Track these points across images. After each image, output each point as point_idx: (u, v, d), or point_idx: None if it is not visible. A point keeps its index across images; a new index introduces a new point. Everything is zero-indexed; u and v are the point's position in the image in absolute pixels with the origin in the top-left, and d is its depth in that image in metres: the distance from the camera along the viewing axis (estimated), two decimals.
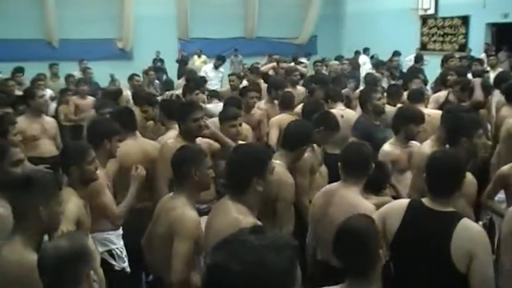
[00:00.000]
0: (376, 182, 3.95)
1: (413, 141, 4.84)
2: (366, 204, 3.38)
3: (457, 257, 2.73)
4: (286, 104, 6.34)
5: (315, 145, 4.68)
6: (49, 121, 6.43)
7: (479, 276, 2.71)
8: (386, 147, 4.87)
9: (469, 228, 2.81)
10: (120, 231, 3.98)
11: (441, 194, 2.93)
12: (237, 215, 2.76)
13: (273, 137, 5.78)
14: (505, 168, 4.17)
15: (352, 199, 3.43)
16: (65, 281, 2.12)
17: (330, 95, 6.37)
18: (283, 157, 4.00)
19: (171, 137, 4.73)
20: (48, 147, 6.04)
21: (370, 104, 5.65)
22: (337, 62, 11.52)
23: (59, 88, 9.95)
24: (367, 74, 9.70)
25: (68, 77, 11.23)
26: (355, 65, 12.46)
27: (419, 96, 6.19)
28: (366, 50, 16.78)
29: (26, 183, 2.57)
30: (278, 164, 3.65)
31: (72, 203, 3.24)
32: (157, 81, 11.35)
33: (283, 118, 5.85)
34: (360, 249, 2.46)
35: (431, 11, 18.01)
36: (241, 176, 2.88)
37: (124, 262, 3.98)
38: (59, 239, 2.29)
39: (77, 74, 11.94)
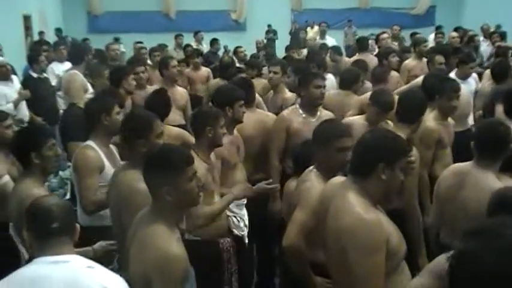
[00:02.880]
0: None
1: None
2: None
3: None
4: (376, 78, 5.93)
5: (449, 118, 4.54)
6: (179, 91, 6.42)
7: None
8: None
9: None
10: (245, 200, 4.05)
11: None
12: (358, 210, 2.49)
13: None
14: None
15: (490, 183, 3.17)
16: None
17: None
18: (400, 130, 3.77)
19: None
20: (174, 117, 5.72)
21: None
22: (454, 34, 10.91)
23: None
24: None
25: (186, 47, 11.53)
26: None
27: None
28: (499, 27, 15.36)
29: (157, 162, 2.47)
30: None
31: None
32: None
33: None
34: None
35: None
36: (367, 159, 2.58)
37: (242, 231, 4.03)
38: None
39: (194, 45, 12.24)
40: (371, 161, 2.51)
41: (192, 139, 4.02)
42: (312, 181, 3.16)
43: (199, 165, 3.36)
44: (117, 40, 9.28)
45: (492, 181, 3.21)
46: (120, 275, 2.33)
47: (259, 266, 4.76)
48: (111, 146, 3.83)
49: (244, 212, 4.07)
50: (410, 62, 7.63)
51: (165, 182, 2.38)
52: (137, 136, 3.24)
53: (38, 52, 8.14)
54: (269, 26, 16.94)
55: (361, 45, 8.79)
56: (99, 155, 3.64)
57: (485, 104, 5.68)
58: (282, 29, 16.98)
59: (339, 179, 2.83)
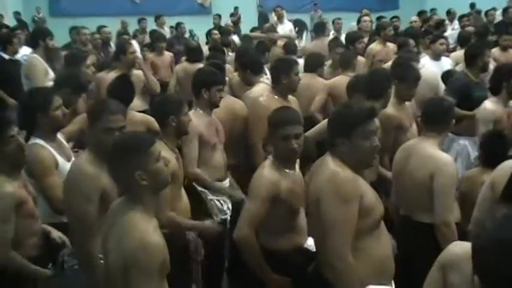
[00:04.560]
0: (496, 154, 3.69)
1: None
2: (444, 156, 3.44)
3: None
4: (344, 64, 5.98)
5: (407, 102, 4.61)
6: (138, 76, 6.28)
7: None
8: (489, 105, 4.73)
9: None
10: (225, 183, 4.05)
11: None
12: (334, 168, 2.67)
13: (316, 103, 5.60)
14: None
15: (430, 150, 3.44)
16: None
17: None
18: None
19: (260, 92, 4.72)
20: (135, 103, 5.54)
21: (481, 60, 5.32)
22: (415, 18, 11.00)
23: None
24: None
25: (152, 32, 11.31)
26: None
27: None
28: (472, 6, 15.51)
29: (121, 150, 2.40)
30: None
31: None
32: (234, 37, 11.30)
33: (340, 81, 5.55)
34: None
35: None
36: (330, 135, 2.79)
37: (225, 214, 4.05)
38: None
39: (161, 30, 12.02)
40: (331, 137, 2.73)
41: (156, 124, 3.97)
42: (262, 169, 3.19)
43: (170, 155, 3.36)
44: (74, 29, 9.01)
45: (433, 149, 3.44)
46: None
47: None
48: (59, 136, 3.64)
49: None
50: (375, 46, 7.64)
51: (135, 167, 2.33)
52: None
53: (12, 35, 7.96)
54: (236, 8, 16.80)
55: (318, 29, 8.86)
56: (50, 151, 3.42)
57: None
58: (248, 13, 16.84)
59: None
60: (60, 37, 9.13)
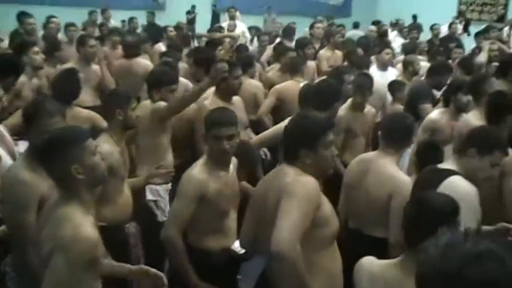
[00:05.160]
0: (427, 165, 3.66)
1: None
2: (403, 177, 3.44)
3: None
4: (293, 69, 5.99)
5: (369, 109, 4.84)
6: (94, 70, 6.20)
7: None
8: (433, 114, 4.92)
9: (454, 184, 2.92)
10: (169, 186, 4.03)
11: None
12: (298, 173, 2.63)
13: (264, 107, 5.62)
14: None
15: (390, 170, 3.43)
16: None
17: (359, 62, 6.29)
18: None
19: (206, 95, 4.68)
20: (86, 98, 5.63)
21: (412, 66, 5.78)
22: (372, 27, 11.19)
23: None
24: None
25: (101, 26, 11.12)
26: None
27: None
28: (415, 18, 15.69)
29: (54, 145, 2.32)
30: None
31: (102, 151, 3.24)
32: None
33: (288, 85, 5.64)
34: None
35: None
36: (290, 147, 2.74)
37: (166, 216, 4.03)
38: None
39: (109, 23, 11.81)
40: (294, 148, 2.67)
41: (103, 121, 3.90)
42: (193, 168, 3.21)
43: (112, 149, 3.40)
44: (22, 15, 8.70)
45: (392, 168, 3.45)
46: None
47: None
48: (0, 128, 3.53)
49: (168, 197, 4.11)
50: (325, 52, 7.75)
51: (71, 160, 2.27)
52: None
53: None
54: (193, 7, 16.68)
55: (287, 33, 8.96)
56: None
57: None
58: (203, 12, 16.74)
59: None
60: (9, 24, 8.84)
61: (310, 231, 2.51)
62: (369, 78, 4.95)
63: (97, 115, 4.49)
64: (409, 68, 6.56)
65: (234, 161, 3.43)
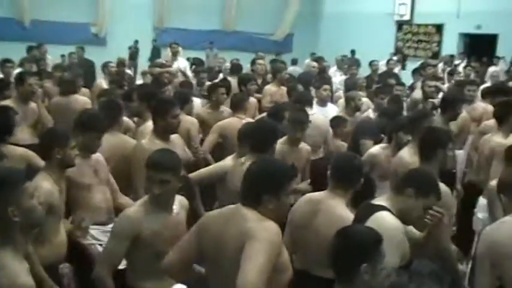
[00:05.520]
0: (363, 197, 3.72)
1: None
2: (352, 218, 3.34)
3: None
4: (235, 106, 5.96)
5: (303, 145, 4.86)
6: (32, 108, 6.00)
7: None
8: (374, 149, 5.02)
9: (380, 220, 2.95)
10: (109, 227, 3.87)
11: None
12: (259, 218, 2.61)
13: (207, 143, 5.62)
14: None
15: (341, 212, 3.40)
16: None
17: (301, 98, 6.25)
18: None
19: (145, 134, 4.63)
20: (23, 136, 5.45)
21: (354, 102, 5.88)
22: (313, 63, 11.41)
23: None
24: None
25: (38, 60, 10.86)
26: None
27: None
28: (353, 53, 16.31)
29: None
30: None
31: (42, 189, 3.26)
32: (128, 71, 11.13)
33: (230, 122, 5.64)
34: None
35: (407, 17, 18.43)
36: (253, 192, 2.70)
37: None
38: None
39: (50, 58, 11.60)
40: (256, 193, 2.65)
41: (38, 159, 3.80)
42: (130, 207, 3.24)
43: (52, 187, 3.36)
44: None
45: (342, 210, 3.42)
46: None
47: None
48: None
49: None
50: (271, 87, 7.83)
51: (7, 202, 2.23)
52: None
53: None
54: (136, 42, 16.65)
55: (234, 70, 9.13)
56: None
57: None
58: (144, 46, 16.72)
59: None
60: None
61: (271, 277, 2.49)
62: (304, 114, 4.99)
63: (33, 153, 4.35)
64: (351, 103, 6.69)
65: (183, 201, 3.37)
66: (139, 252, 3.08)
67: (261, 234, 2.51)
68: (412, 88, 9.09)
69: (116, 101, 5.30)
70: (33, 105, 5.99)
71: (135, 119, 5.81)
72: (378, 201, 3.21)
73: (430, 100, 7.08)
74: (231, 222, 2.67)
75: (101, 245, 3.81)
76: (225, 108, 6.34)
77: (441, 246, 3.60)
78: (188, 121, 5.55)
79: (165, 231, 3.10)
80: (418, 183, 3.14)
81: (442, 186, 3.48)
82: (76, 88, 6.80)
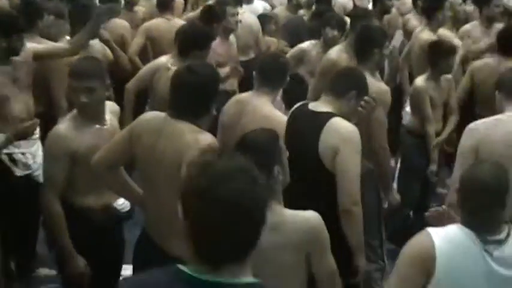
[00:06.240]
0: (296, 98, 3.73)
1: None
2: (279, 116, 3.43)
3: (323, 153, 2.91)
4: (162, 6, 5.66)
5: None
6: None
7: (340, 169, 2.87)
8: (305, 45, 5.03)
9: (337, 126, 2.95)
10: (35, 135, 3.70)
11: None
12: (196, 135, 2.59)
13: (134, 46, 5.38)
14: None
15: (266, 110, 3.44)
16: None
17: None
18: None
19: None
20: None
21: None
22: None
23: None
24: None
25: None
26: None
27: None
28: None
29: None
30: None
31: None
32: None
33: (157, 23, 5.43)
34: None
35: None
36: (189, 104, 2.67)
37: (29, 169, 3.72)
38: None
39: None
40: (196, 105, 2.69)
41: None
42: (59, 125, 3.13)
43: None
44: None
45: (269, 108, 3.47)
46: None
47: None
48: None
49: (37, 147, 3.72)
50: None
51: None
52: None
53: None
54: None
55: None
56: None
57: None
58: None
59: None
60: None
61: None
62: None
63: None
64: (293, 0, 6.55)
65: (113, 108, 3.24)
66: (77, 168, 2.97)
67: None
68: None
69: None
70: None
71: None
72: (319, 106, 3.15)
73: None
74: (164, 137, 2.63)
75: (23, 153, 3.64)
76: (140, 8, 6.13)
77: (377, 144, 3.71)
78: (119, 25, 5.36)
79: (102, 143, 2.96)
80: (359, 86, 3.16)
81: (382, 85, 3.63)
82: None
